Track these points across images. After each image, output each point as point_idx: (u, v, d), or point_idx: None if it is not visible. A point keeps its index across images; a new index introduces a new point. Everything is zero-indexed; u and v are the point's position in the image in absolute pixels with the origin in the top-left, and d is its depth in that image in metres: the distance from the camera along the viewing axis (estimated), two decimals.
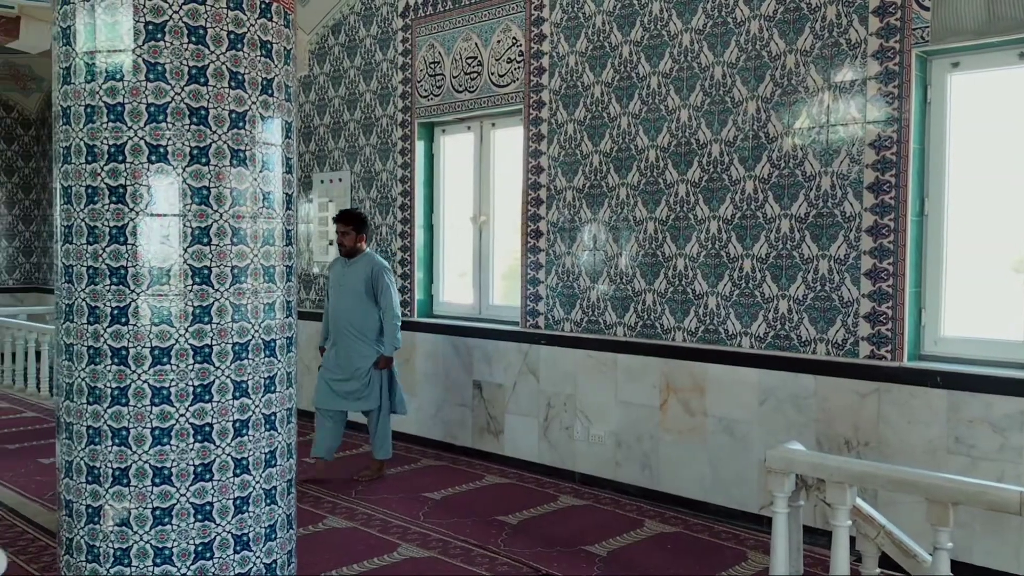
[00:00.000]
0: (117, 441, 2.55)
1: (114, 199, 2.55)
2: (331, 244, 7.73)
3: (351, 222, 5.87)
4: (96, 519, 2.57)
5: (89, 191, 2.57)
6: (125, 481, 2.55)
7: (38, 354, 9.25)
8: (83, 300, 2.59)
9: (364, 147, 7.44)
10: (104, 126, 2.54)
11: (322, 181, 7.80)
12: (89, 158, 2.56)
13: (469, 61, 6.54)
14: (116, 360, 2.55)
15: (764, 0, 4.94)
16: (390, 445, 6.04)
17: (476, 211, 6.79)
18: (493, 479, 6.01)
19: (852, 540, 3.03)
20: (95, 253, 2.56)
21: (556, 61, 5.99)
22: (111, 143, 2.54)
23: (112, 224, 2.55)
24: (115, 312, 2.55)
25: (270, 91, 2.75)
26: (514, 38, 6.23)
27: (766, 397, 4.93)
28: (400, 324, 5.92)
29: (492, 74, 6.39)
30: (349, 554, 4.49)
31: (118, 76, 2.53)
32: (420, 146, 7.04)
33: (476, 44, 6.48)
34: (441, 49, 6.74)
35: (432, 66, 6.82)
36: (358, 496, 5.56)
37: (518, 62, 6.22)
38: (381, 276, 5.81)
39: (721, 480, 5.14)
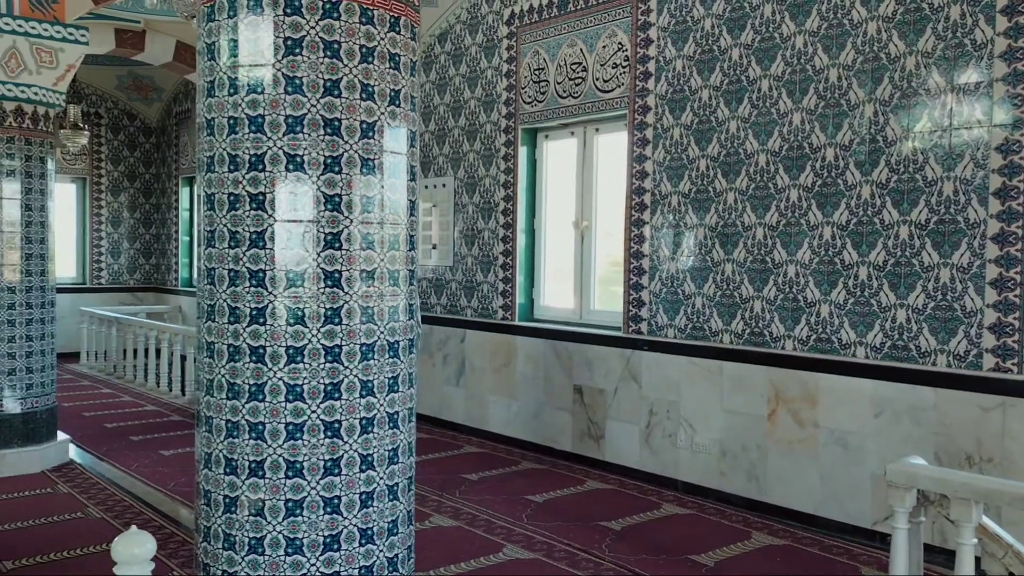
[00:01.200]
0: (254, 435, 2.69)
1: (254, 206, 2.68)
2: (433, 248, 7.89)
3: None
4: (233, 509, 2.71)
5: (231, 198, 2.71)
6: (260, 473, 2.68)
7: (157, 351, 9.75)
8: (224, 301, 2.73)
9: (468, 153, 7.57)
10: (246, 137, 2.68)
11: (426, 187, 7.98)
12: (231, 167, 2.71)
13: (574, 67, 6.58)
14: (254, 358, 2.69)
15: (883, 1, 4.80)
16: None
17: (578, 216, 6.82)
18: (594, 484, 6.02)
19: (976, 560, 2.92)
20: (236, 257, 2.71)
21: (663, 65, 5.96)
22: (252, 153, 2.68)
23: (252, 229, 2.69)
24: (254, 312, 2.69)
25: (397, 102, 2.85)
26: (620, 43, 6.24)
27: (881, 409, 4.78)
28: None
29: (597, 79, 6.41)
30: (457, 552, 4.58)
31: (259, 89, 2.66)
32: (523, 152, 7.12)
33: (581, 50, 6.52)
34: (546, 55, 6.80)
35: (536, 72, 6.89)
36: (462, 496, 5.66)
37: (623, 67, 6.22)
38: None
39: (832, 493, 5.01)
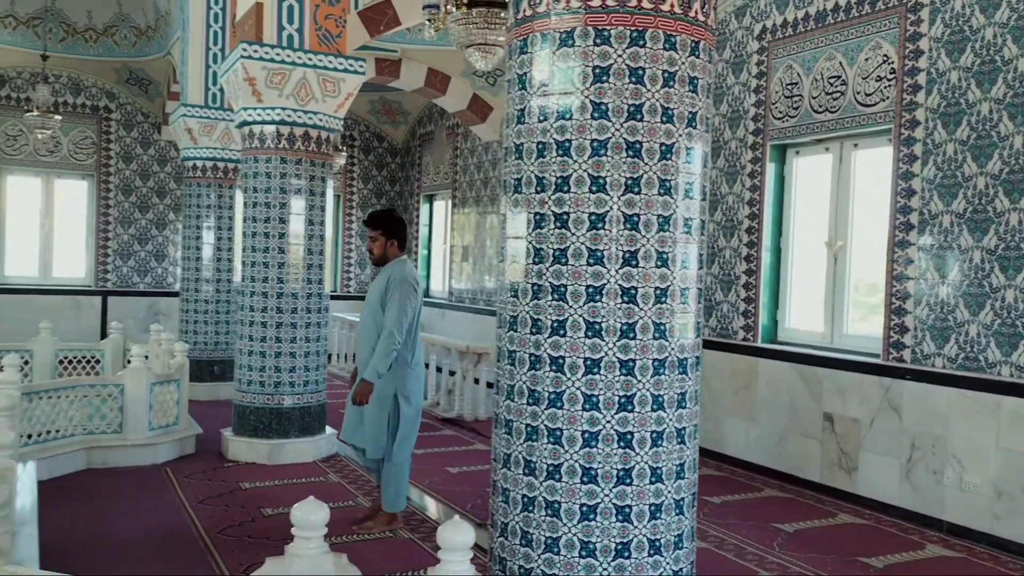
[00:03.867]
0: (551, 440, 2.85)
1: (558, 224, 2.85)
2: None
3: (379, 225, 5.03)
4: (530, 508, 2.88)
5: (537, 218, 2.90)
6: (557, 476, 2.83)
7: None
8: (527, 313, 2.92)
9: (710, 170, 7.51)
10: (553, 160, 2.86)
11: None
12: (538, 189, 2.89)
13: (831, 81, 6.36)
14: (554, 367, 2.85)
15: None
16: (399, 495, 5.07)
17: (832, 235, 6.57)
18: (847, 518, 5.75)
19: None
20: (539, 272, 2.89)
21: (935, 78, 5.63)
22: (558, 175, 2.85)
23: (555, 247, 2.85)
24: (555, 324, 2.85)
25: (694, 124, 2.92)
26: (885, 55, 5.96)
27: None
28: (395, 349, 4.73)
29: (857, 93, 6.16)
30: (712, 574, 4.55)
31: (567, 115, 2.83)
32: (771, 168, 6.97)
33: (840, 63, 6.29)
34: (800, 70, 6.63)
35: (789, 87, 6.73)
36: (706, 518, 5.60)
37: (888, 80, 5.93)
38: (395, 287, 4.81)
39: None
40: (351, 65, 6.91)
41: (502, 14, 5.12)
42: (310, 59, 6.76)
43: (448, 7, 5.15)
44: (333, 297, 13.77)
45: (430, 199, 13.66)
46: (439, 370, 9.56)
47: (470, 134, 11.82)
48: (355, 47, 7.03)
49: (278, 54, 6.61)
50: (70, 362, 8.33)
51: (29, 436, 5.88)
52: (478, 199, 11.69)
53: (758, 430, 6.86)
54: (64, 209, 12.49)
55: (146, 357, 6.75)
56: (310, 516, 2.58)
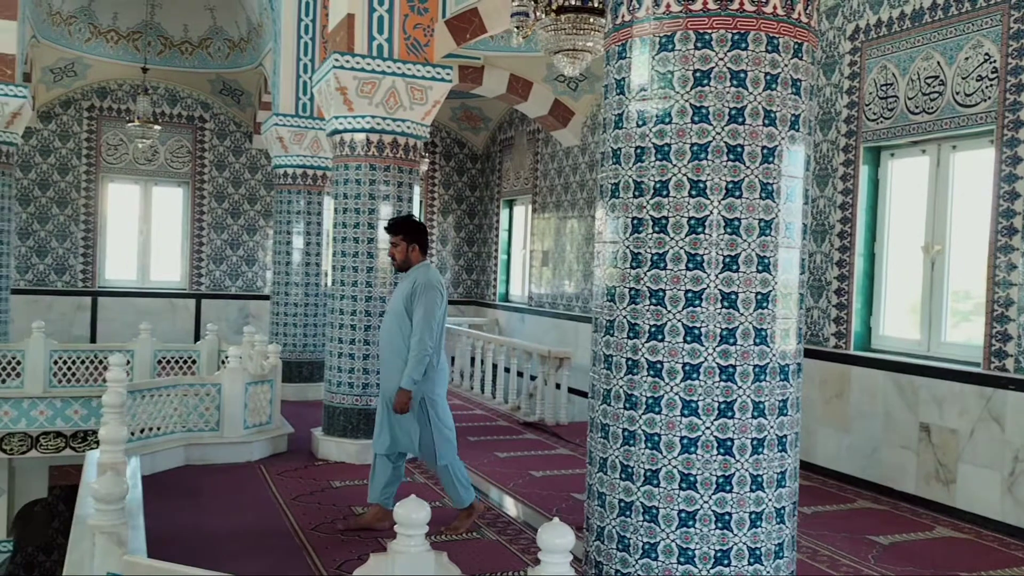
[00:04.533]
0: (649, 445, 2.84)
1: (656, 229, 2.85)
2: None
3: (399, 231, 5.06)
4: (628, 512, 2.88)
5: (635, 222, 2.90)
6: (655, 482, 2.83)
7: (472, 359, 10.53)
8: (624, 317, 2.93)
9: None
10: (651, 164, 2.86)
11: None
12: (636, 193, 2.90)
13: (929, 81, 6.16)
14: (652, 372, 2.85)
15: None
16: (463, 489, 5.11)
17: (929, 239, 6.36)
18: (944, 531, 5.55)
19: None
20: (637, 276, 2.89)
21: None
22: (657, 180, 2.85)
23: (654, 251, 2.85)
24: (652, 329, 2.85)
25: (796, 126, 2.88)
26: (986, 54, 5.75)
27: None
28: (427, 355, 4.80)
29: (957, 94, 5.96)
30: None
31: (667, 120, 2.83)
32: (864, 171, 6.79)
33: (938, 63, 6.09)
34: (895, 70, 6.44)
35: (883, 88, 6.55)
36: (798, 528, 5.46)
37: (990, 79, 5.72)
38: (422, 292, 4.85)
39: None
40: (438, 73, 7.03)
41: (591, 19, 5.14)
42: (399, 68, 6.89)
43: (537, 14, 5.19)
44: None
45: (510, 204, 13.75)
46: (520, 374, 9.61)
47: (551, 139, 11.85)
48: (442, 55, 7.14)
49: (368, 64, 6.77)
50: (168, 362, 8.68)
51: (132, 433, 6.14)
52: (558, 204, 11.71)
53: (850, 440, 6.69)
54: (161, 215, 13.03)
55: (239, 358, 6.98)
56: (412, 514, 2.64)
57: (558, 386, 8.81)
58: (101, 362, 8.58)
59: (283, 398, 8.28)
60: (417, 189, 7.34)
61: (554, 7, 5.08)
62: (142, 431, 6.26)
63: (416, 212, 7.28)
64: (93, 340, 12.12)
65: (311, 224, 9.91)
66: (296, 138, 9.69)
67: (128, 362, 8.32)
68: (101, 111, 12.47)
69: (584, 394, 10.12)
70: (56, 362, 8.19)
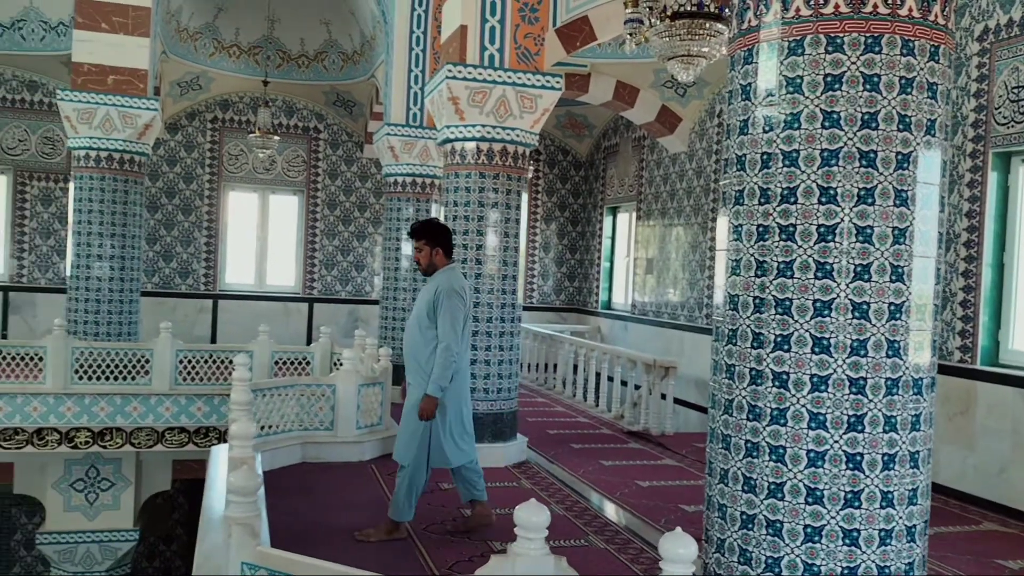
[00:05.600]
0: (774, 458, 2.79)
1: (783, 237, 2.80)
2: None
3: (422, 235, 4.96)
4: (750, 526, 2.84)
5: (760, 229, 2.86)
6: (780, 495, 2.77)
7: (575, 367, 10.52)
8: (747, 327, 2.88)
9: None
10: (779, 171, 2.82)
11: None
12: (762, 200, 2.86)
13: None
14: (777, 383, 2.79)
15: None
16: (404, 504, 4.95)
17: None
18: None
19: None
20: (762, 285, 2.85)
21: None
22: (784, 186, 2.80)
23: (780, 259, 2.80)
24: (778, 339, 2.80)
25: (932, 131, 2.78)
26: None
27: None
28: (453, 362, 4.76)
29: None
30: None
31: (795, 125, 2.78)
32: (993, 177, 6.46)
33: None
34: None
35: (1015, 91, 6.23)
36: None
37: None
38: (445, 299, 4.79)
39: None
40: (548, 81, 7.08)
41: (706, 24, 5.08)
42: (509, 77, 6.98)
43: (651, 20, 5.17)
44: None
45: (613, 211, 13.70)
46: (624, 383, 9.55)
47: (656, 146, 11.75)
48: (551, 64, 7.19)
49: (480, 73, 6.89)
50: (284, 363, 9.01)
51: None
52: (664, 211, 11.60)
53: (976, 459, 6.36)
54: (277, 222, 13.56)
55: (352, 361, 7.19)
56: (532, 518, 2.67)
57: (663, 396, 8.70)
58: (222, 362, 8.99)
59: (392, 400, 8.49)
60: (525, 197, 7.40)
61: (669, 13, 5.05)
62: (262, 428, 6.52)
63: (522, 219, 7.35)
64: (213, 340, 12.71)
65: None
66: (406, 147, 9.92)
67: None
68: (223, 122, 13.09)
69: (690, 405, 10.02)
70: (181, 361, 8.63)
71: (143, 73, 9.34)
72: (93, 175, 9.31)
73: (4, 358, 8.41)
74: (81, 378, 8.28)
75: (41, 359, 8.21)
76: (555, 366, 11.47)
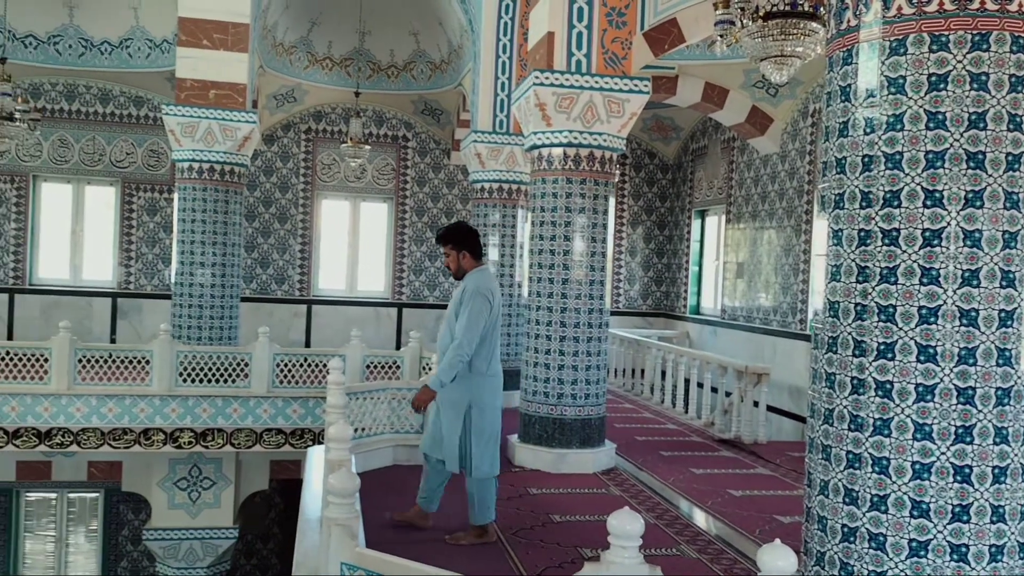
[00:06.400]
0: (877, 469, 2.71)
1: (886, 241, 2.72)
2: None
3: (448, 240, 4.99)
4: (851, 539, 2.76)
5: (861, 234, 2.79)
6: (883, 508, 2.69)
7: (663, 372, 10.40)
8: (848, 334, 2.81)
9: None
10: (881, 174, 2.74)
11: None
12: (863, 204, 2.78)
13: None
14: (880, 392, 2.71)
15: None
16: (485, 509, 4.93)
17: None
18: None
19: None
20: (864, 291, 2.77)
21: None
22: (887, 189, 2.72)
23: (883, 265, 2.72)
24: (881, 347, 2.72)
25: None
26: None
27: None
28: (462, 361, 4.73)
29: None
30: None
31: (898, 127, 2.70)
32: None
33: None
34: None
35: None
36: None
37: None
38: (469, 299, 4.79)
39: None
40: (635, 85, 7.05)
41: (800, 24, 4.97)
42: (596, 82, 6.98)
43: (743, 20, 5.09)
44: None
45: (702, 215, 13.50)
46: (714, 390, 9.40)
47: (747, 147, 11.54)
48: (639, 67, 7.16)
49: (567, 79, 6.91)
50: (375, 367, 9.22)
51: None
52: (755, 214, 11.37)
53: None
54: (367, 229, 13.88)
55: None
56: (626, 526, 2.65)
57: (755, 403, 8.53)
58: (316, 365, 9.26)
59: None
60: (612, 201, 7.38)
61: (761, 13, 4.96)
62: (355, 431, 6.68)
63: (609, 224, 7.32)
64: (308, 344, 13.09)
65: (506, 236, 10.20)
66: (493, 154, 10.02)
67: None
68: (317, 133, 13.49)
69: (784, 412, 9.78)
70: (278, 364, 8.92)
71: (242, 87, 9.71)
72: (196, 186, 9.72)
73: (114, 362, 8.86)
74: (185, 381, 8.65)
75: (148, 362, 8.61)
76: (642, 371, 11.37)
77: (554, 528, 5.43)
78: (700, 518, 5.86)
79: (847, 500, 2.77)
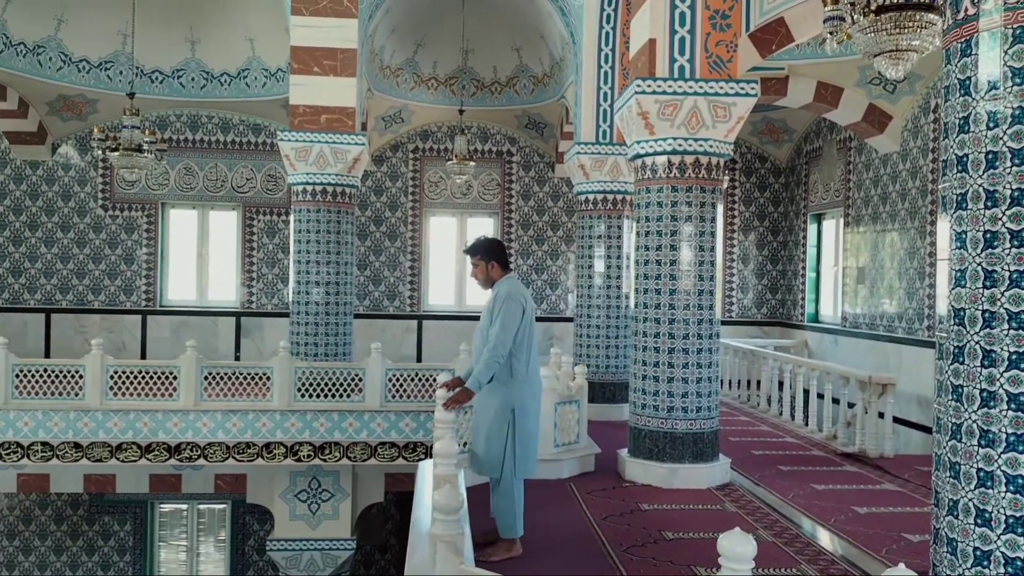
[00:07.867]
0: (1012, 489, 2.50)
1: (1015, 244, 2.52)
2: None
3: (475, 253, 5.23)
4: (985, 563, 2.56)
5: (987, 236, 2.59)
6: (1019, 530, 2.48)
7: (780, 383, 10.01)
8: (976, 343, 2.62)
9: None
10: (1007, 171, 2.55)
11: None
12: (988, 203, 2.59)
13: None
14: (1013, 406, 2.51)
15: None
16: (514, 518, 4.92)
17: None
18: None
19: None
20: (992, 297, 2.57)
21: None
22: (1015, 188, 2.53)
23: (1012, 268, 2.53)
24: (1013, 357, 2.52)
25: None
26: None
27: None
28: (498, 364, 4.81)
29: None
30: None
31: None
32: None
33: None
34: None
35: None
36: None
37: None
38: (501, 304, 4.93)
39: None
40: (742, 88, 6.85)
41: (915, 16, 4.71)
42: (700, 87, 6.82)
43: (853, 16, 4.86)
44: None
45: (818, 218, 13.00)
46: (835, 401, 9.00)
47: (865, 147, 11.05)
48: (745, 70, 6.95)
49: (670, 86, 6.78)
50: None
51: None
52: (875, 216, 10.86)
53: None
54: None
55: (549, 379, 7.25)
56: (736, 548, 2.55)
57: (881, 415, 8.11)
58: (426, 379, 9.39)
59: (588, 418, 8.49)
60: (720, 208, 7.18)
61: (873, 7, 4.72)
62: (463, 445, 6.72)
63: (718, 231, 7.13)
64: (419, 359, 13.32)
65: (611, 248, 10.10)
66: (596, 165, 9.95)
67: None
68: (423, 152, 13.77)
69: (912, 424, 9.27)
70: (390, 379, 9.10)
71: (351, 111, 10.01)
72: (310, 208, 10.07)
73: (237, 378, 9.25)
74: (303, 396, 8.94)
75: (268, 378, 8.95)
76: (758, 383, 11.01)
77: (666, 545, 5.30)
78: (823, 536, 5.60)
79: (979, 522, 2.57)
